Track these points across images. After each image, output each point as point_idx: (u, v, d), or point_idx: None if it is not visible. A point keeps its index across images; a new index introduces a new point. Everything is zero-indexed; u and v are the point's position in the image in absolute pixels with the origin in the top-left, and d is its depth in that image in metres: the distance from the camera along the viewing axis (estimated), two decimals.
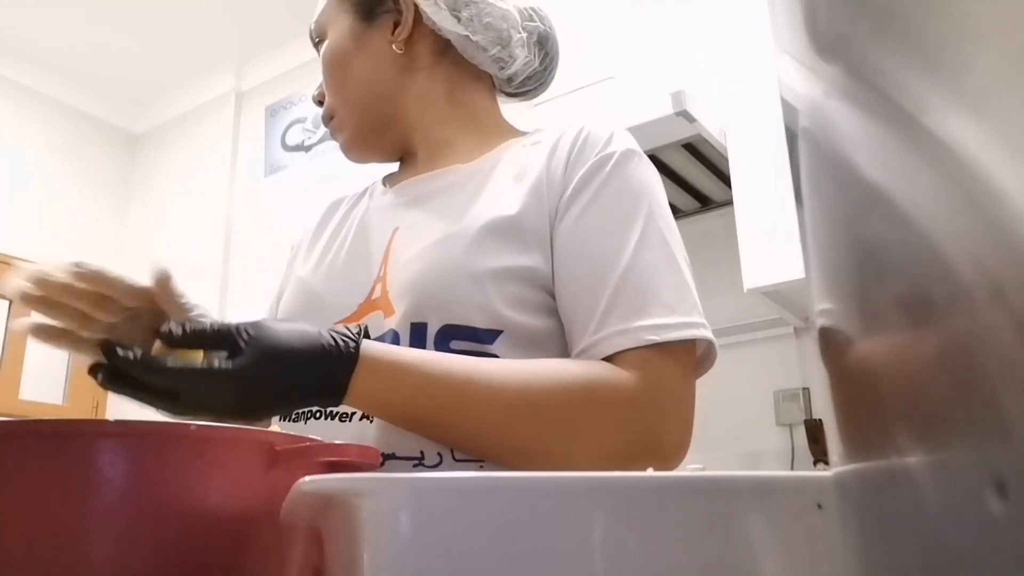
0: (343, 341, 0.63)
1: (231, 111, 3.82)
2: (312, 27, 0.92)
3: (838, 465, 0.22)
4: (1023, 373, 0.12)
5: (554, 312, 0.73)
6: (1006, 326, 0.12)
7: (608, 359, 0.68)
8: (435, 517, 0.30)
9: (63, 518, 0.39)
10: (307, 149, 3.44)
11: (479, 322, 0.70)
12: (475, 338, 0.70)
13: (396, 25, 0.86)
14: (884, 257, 0.17)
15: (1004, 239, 0.12)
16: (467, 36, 0.85)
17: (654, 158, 2.08)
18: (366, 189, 0.97)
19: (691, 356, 0.71)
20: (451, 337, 0.70)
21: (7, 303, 3.63)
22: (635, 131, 2.08)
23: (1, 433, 0.40)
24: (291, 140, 3.55)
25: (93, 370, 0.61)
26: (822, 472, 0.29)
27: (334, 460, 0.45)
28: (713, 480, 0.31)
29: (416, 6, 0.85)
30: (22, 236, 3.69)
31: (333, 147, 3.72)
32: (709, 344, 0.72)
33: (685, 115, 1.90)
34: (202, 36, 3.56)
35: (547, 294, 0.73)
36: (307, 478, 0.34)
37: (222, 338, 0.61)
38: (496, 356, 0.70)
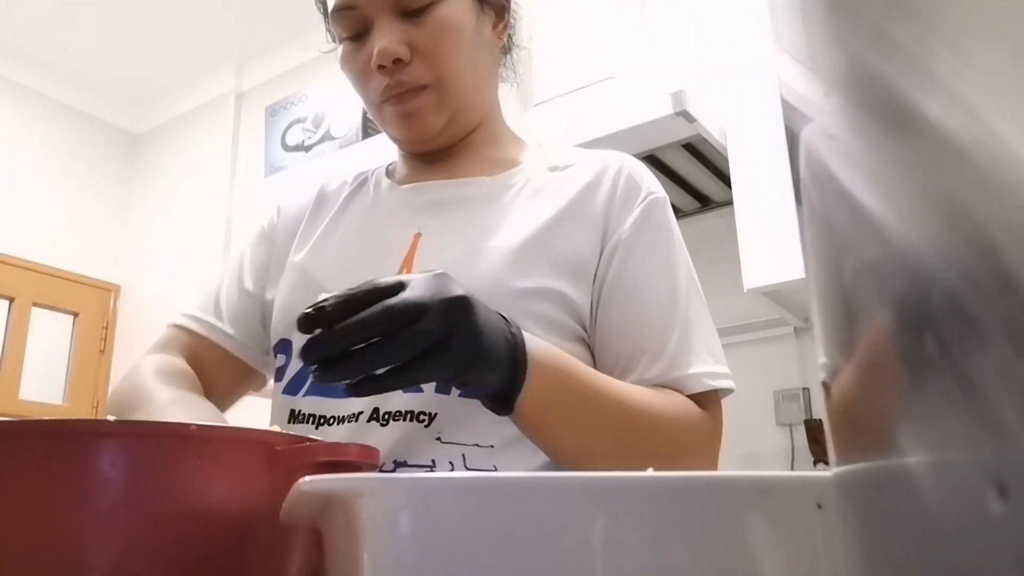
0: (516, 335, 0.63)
1: (231, 111, 3.82)
2: None
3: (838, 465, 0.22)
4: (1022, 373, 0.12)
5: (579, 339, 0.77)
6: (1003, 328, 0.12)
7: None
8: (435, 517, 0.30)
9: (63, 518, 0.39)
10: (307, 149, 3.44)
11: None
12: None
13: (497, 11, 0.87)
14: (880, 263, 0.17)
15: (1002, 242, 0.12)
16: (518, 47, 0.89)
17: (654, 158, 2.08)
18: (363, 178, 0.95)
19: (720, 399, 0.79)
20: None
21: (7, 303, 3.63)
22: (635, 131, 2.09)
23: (1, 433, 0.40)
24: (291, 140, 3.55)
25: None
26: (822, 472, 0.29)
27: (334, 460, 0.45)
28: (713, 480, 0.31)
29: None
30: (22, 236, 3.69)
31: (333, 147, 3.70)
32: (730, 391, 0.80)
33: (685, 115, 1.89)
34: (202, 36, 3.56)
35: (574, 320, 0.76)
36: (307, 478, 0.34)
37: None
38: None
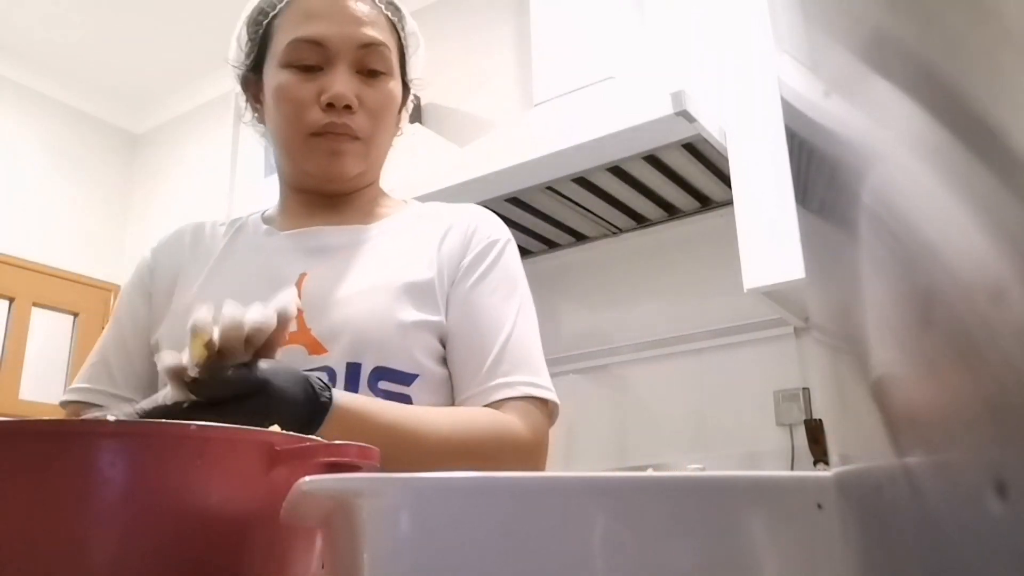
0: (320, 389, 0.69)
1: (231, 111, 3.82)
2: (373, 37, 0.90)
3: (838, 465, 0.22)
4: (1023, 373, 0.12)
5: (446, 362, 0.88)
6: (1007, 327, 0.12)
7: (494, 404, 0.83)
8: (435, 517, 0.30)
9: (63, 518, 0.39)
10: None
11: (403, 366, 0.83)
12: (399, 380, 0.83)
13: (403, 104, 0.98)
14: (884, 262, 0.17)
15: (1005, 236, 0.12)
16: (400, 132, 0.98)
17: (654, 158, 2.08)
18: (239, 224, 1.00)
19: (548, 410, 0.88)
20: (380, 377, 0.82)
21: (7, 303, 3.63)
22: (635, 131, 2.09)
23: (1, 433, 0.40)
24: None
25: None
26: (822, 472, 0.29)
27: (334, 460, 0.45)
28: (713, 480, 0.31)
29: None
30: (22, 236, 3.69)
31: None
32: (557, 407, 0.89)
33: (685, 115, 1.89)
34: (202, 36, 3.56)
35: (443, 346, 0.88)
36: (307, 478, 0.34)
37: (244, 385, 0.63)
38: (411, 396, 0.83)
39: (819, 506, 0.30)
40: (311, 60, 0.89)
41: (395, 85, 0.93)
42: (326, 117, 0.87)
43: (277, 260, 0.91)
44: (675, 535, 0.29)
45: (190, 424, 0.43)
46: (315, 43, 0.88)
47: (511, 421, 0.82)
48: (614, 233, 2.52)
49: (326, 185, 0.93)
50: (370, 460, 0.47)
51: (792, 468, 2.08)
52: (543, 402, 0.86)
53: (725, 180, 2.12)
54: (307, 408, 0.67)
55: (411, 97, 1.00)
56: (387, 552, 0.31)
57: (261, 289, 0.84)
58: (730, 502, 0.30)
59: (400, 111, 0.98)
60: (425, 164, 2.27)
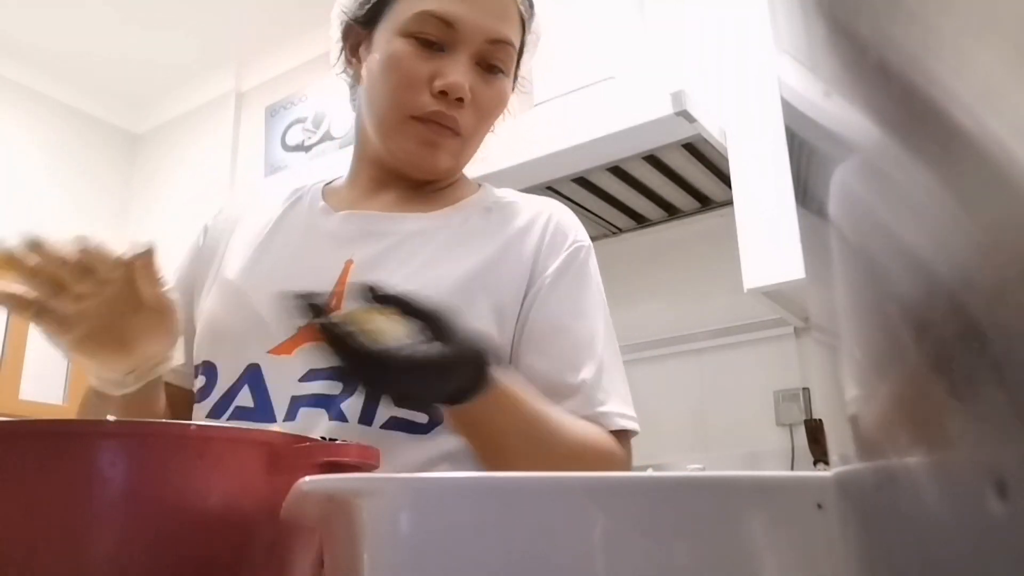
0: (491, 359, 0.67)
1: (231, 111, 3.82)
2: (505, 35, 0.84)
3: (838, 465, 0.22)
4: (1022, 372, 0.12)
5: None
6: (1006, 327, 0.12)
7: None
8: (435, 517, 0.30)
9: (63, 518, 0.39)
10: (307, 149, 3.44)
11: None
12: None
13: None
14: (883, 264, 0.17)
15: (1006, 240, 0.12)
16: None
17: (654, 158, 2.08)
18: (298, 195, 0.94)
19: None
20: None
21: None
22: (635, 131, 2.09)
23: (1, 433, 0.40)
24: (291, 140, 3.55)
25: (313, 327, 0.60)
26: (822, 472, 0.29)
27: (334, 460, 0.45)
28: (713, 480, 0.31)
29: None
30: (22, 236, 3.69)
31: (333, 147, 3.70)
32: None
33: (685, 115, 1.89)
34: (202, 36, 3.56)
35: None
36: (307, 478, 0.34)
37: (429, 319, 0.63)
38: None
39: (819, 506, 0.30)
40: (435, 37, 0.81)
41: (508, 84, 0.87)
42: (434, 104, 0.81)
43: (326, 244, 0.86)
44: (675, 535, 0.29)
45: (190, 424, 0.43)
46: (446, 22, 0.81)
47: (618, 451, 0.79)
48: (614, 233, 2.51)
49: (412, 173, 0.88)
50: (370, 460, 0.47)
51: (792, 468, 2.08)
52: (629, 431, 0.82)
53: (725, 180, 2.12)
54: (476, 373, 0.65)
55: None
56: (387, 552, 0.31)
57: (305, 274, 0.83)
58: (730, 502, 0.30)
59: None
60: None
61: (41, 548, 0.39)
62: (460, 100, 0.81)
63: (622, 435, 0.81)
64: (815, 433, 2.05)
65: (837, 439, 0.23)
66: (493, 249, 0.84)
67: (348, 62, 0.90)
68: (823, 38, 0.20)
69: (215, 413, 0.80)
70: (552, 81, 2.42)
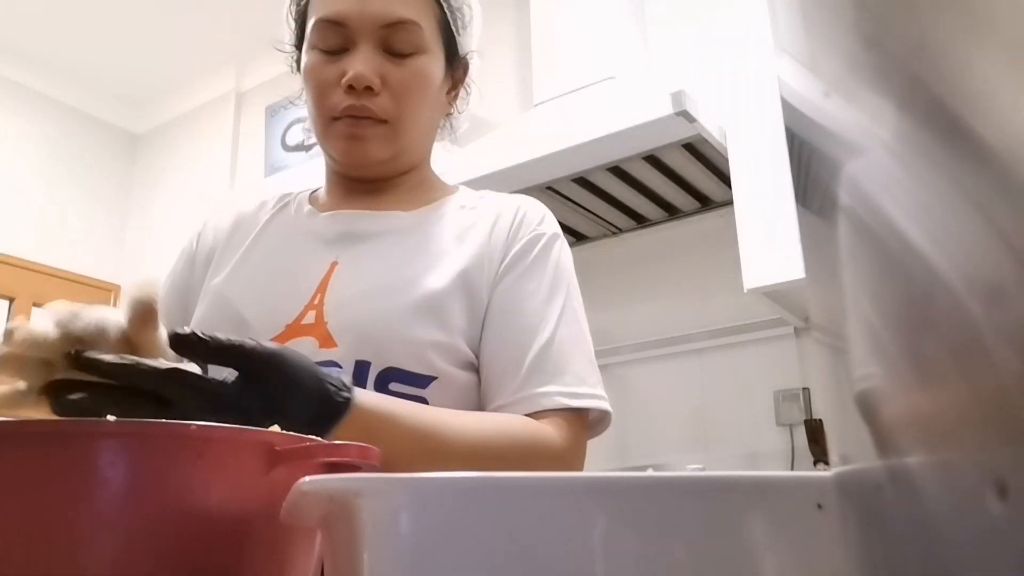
0: (338, 389, 0.63)
1: (231, 111, 3.82)
2: (397, 16, 0.85)
3: (838, 465, 0.22)
4: (1022, 373, 0.12)
5: (475, 367, 0.83)
6: (1006, 327, 0.12)
7: (528, 415, 0.78)
8: (435, 517, 0.30)
9: (63, 518, 0.39)
10: (307, 149, 3.44)
11: (418, 368, 0.78)
12: (412, 382, 0.78)
13: (454, 82, 0.94)
14: (882, 261, 0.17)
15: (1002, 236, 0.12)
16: (459, 113, 0.96)
17: (654, 158, 2.08)
18: (286, 201, 0.96)
19: (586, 421, 0.83)
20: (391, 379, 0.78)
21: (7, 303, 3.63)
22: (635, 131, 2.09)
23: (1, 433, 0.40)
24: (291, 140, 3.55)
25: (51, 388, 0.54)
26: (822, 472, 0.29)
27: (334, 460, 0.45)
28: (713, 480, 0.31)
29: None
30: (22, 236, 3.69)
31: None
32: (606, 413, 0.83)
33: (685, 115, 1.90)
34: (202, 36, 3.56)
35: (472, 351, 0.82)
36: (307, 478, 0.34)
37: (238, 356, 0.58)
38: (427, 399, 0.78)
39: (819, 506, 0.30)
40: (334, 41, 0.85)
41: (428, 62, 0.87)
42: (347, 99, 0.84)
43: (310, 246, 0.88)
44: (675, 535, 0.29)
45: (190, 424, 0.43)
46: (337, 23, 0.85)
47: (544, 430, 0.78)
48: (614, 233, 2.52)
49: (353, 170, 0.90)
50: (370, 460, 0.47)
51: (792, 468, 2.08)
52: (582, 412, 0.81)
53: (725, 180, 2.12)
54: (318, 407, 0.61)
55: (469, 72, 0.96)
56: (387, 552, 0.31)
57: (289, 277, 0.84)
58: (730, 502, 0.30)
59: (453, 89, 0.95)
60: None
61: (41, 548, 0.39)
62: (369, 89, 0.84)
63: (574, 416, 0.79)
64: (815, 433, 2.05)
65: (837, 439, 0.24)
66: (469, 244, 0.86)
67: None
68: (823, 38, 0.20)
69: None
70: (552, 81, 2.42)
